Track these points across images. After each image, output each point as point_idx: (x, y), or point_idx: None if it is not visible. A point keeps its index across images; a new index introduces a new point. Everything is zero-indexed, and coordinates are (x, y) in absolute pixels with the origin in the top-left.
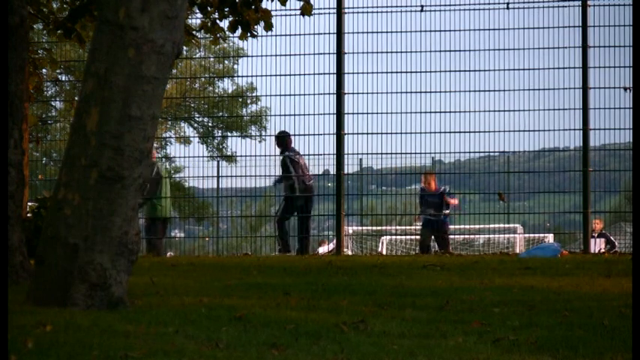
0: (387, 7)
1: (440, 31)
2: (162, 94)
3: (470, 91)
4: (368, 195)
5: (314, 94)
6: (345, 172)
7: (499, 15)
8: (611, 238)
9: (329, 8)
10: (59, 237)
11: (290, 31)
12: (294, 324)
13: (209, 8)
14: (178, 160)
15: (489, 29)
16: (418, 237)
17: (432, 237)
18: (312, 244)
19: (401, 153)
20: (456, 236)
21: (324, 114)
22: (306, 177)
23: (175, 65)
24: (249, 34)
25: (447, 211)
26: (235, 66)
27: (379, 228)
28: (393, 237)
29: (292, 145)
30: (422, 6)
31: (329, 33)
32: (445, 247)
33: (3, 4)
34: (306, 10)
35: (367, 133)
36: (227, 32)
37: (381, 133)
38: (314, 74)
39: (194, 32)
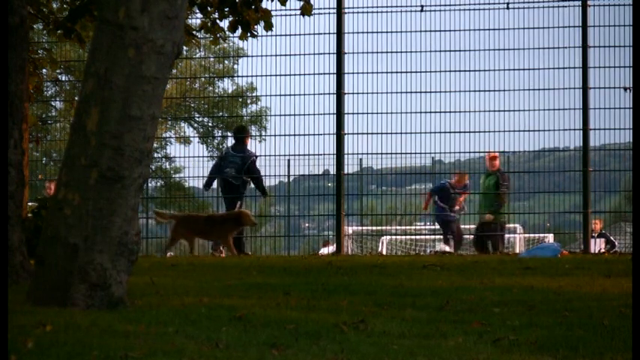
0: (387, 7)
1: (440, 31)
2: (162, 94)
3: (470, 91)
4: (368, 195)
5: (314, 94)
6: (345, 172)
7: (499, 15)
8: (611, 238)
9: (329, 8)
10: (59, 237)
11: (290, 31)
12: (294, 324)
13: (209, 8)
14: (178, 160)
15: (489, 29)
16: (420, 237)
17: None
18: (313, 245)
19: (401, 153)
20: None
21: (324, 114)
22: (230, 177)
23: (175, 65)
24: (249, 34)
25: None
26: (235, 66)
27: (379, 228)
28: (393, 237)
29: (248, 143)
30: (422, 6)
31: (329, 33)
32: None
33: (3, 4)
34: (306, 10)
35: (367, 133)
36: (227, 32)
37: (381, 133)
38: (314, 74)
39: (194, 32)
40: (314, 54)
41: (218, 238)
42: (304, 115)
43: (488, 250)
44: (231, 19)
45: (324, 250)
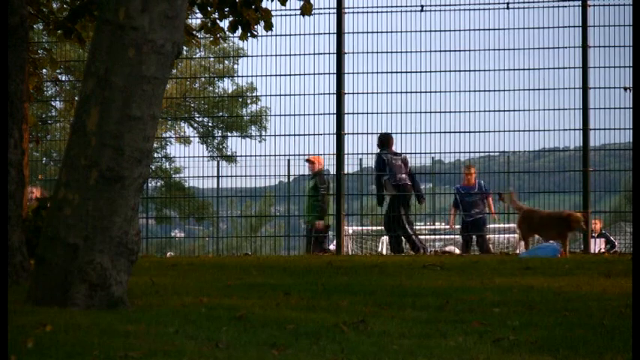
0: (387, 7)
1: (440, 31)
2: (162, 94)
3: (470, 91)
4: (368, 195)
5: (314, 94)
6: (345, 172)
7: (499, 15)
8: (611, 238)
9: (329, 8)
10: (59, 237)
11: (290, 31)
12: (294, 324)
13: (209, 8)
14: (178, 160)
15: (489, 29)
16: (420, 237)
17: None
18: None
19: (401, 153)
20: (456, 236)
21: (324, 114)
22: (397, 177)
23: (175, 65)
24: (249, 34)
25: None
26: (235, 66)
27: (379, 228)
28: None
29: (393, 147)
30: (422, 6)
31: (329, 33)
32: (486, 249)
33: (3, 4)
34: (306, 9)
35: (367, 133)
36: (227, 32)
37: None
38: (314, 74)
39: (194, 32)
40: (314, 54)
41: (558, 237)
42: (304, 115)
43: (322, 251)
44: (231, 19)
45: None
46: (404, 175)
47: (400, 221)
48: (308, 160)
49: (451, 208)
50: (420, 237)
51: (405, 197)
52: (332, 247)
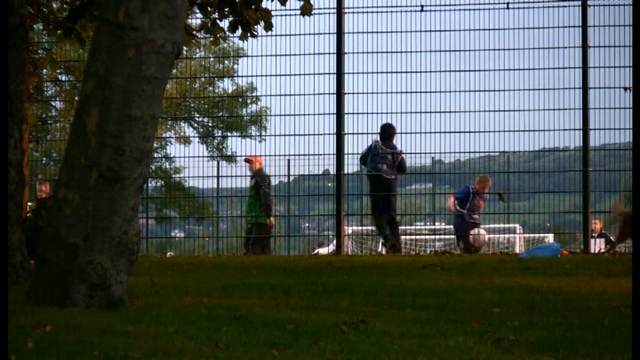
0: (387, 7)
1: (440, 31)
2: (162, 94)
3: (470, 91)
4: (368, 195)
5: (314, 94)
6: (345, 172)
7: (499, 15)
8: (611, 238)
9: (329, 8)
10: (59, 237)
11: (290, 31)
12: (294, 324)
13: (209, 8)
14: (178, 160)
15: (489, 29)
16: (420, 237)
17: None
18: (312, 245)
19: (401, 153)
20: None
21: (324, 114)
22: (383, 172)
23: (175, 65)
24: (249, 34)
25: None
26: (235, 66)
27: None
28: None
29: (394, 140)
30: (422, 6)
31: (329, 33)
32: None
33: (3, 4)
34: (306, 9)
35: (367, 133)
36: (227, 32)
37: (381, 133)
38: (314, 74)
39: (194, 32)
40: (314, 54)
41: None
42: (304, 115)
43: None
44: (231, 19)
45: (319, 251)
46: (385, 167)
47: (374, 217)
48: (247, 160)
49: (451, 196)
50: (395, 237)
51: (380, 190)
52: (332, 246)
